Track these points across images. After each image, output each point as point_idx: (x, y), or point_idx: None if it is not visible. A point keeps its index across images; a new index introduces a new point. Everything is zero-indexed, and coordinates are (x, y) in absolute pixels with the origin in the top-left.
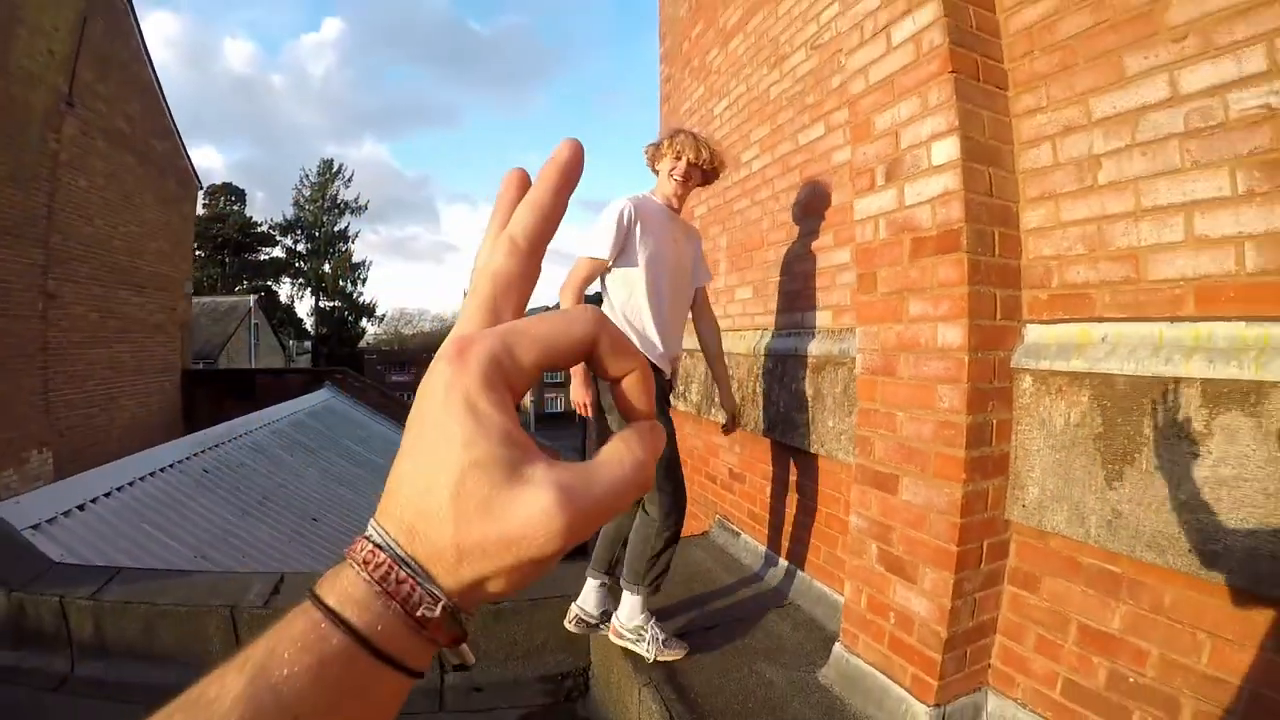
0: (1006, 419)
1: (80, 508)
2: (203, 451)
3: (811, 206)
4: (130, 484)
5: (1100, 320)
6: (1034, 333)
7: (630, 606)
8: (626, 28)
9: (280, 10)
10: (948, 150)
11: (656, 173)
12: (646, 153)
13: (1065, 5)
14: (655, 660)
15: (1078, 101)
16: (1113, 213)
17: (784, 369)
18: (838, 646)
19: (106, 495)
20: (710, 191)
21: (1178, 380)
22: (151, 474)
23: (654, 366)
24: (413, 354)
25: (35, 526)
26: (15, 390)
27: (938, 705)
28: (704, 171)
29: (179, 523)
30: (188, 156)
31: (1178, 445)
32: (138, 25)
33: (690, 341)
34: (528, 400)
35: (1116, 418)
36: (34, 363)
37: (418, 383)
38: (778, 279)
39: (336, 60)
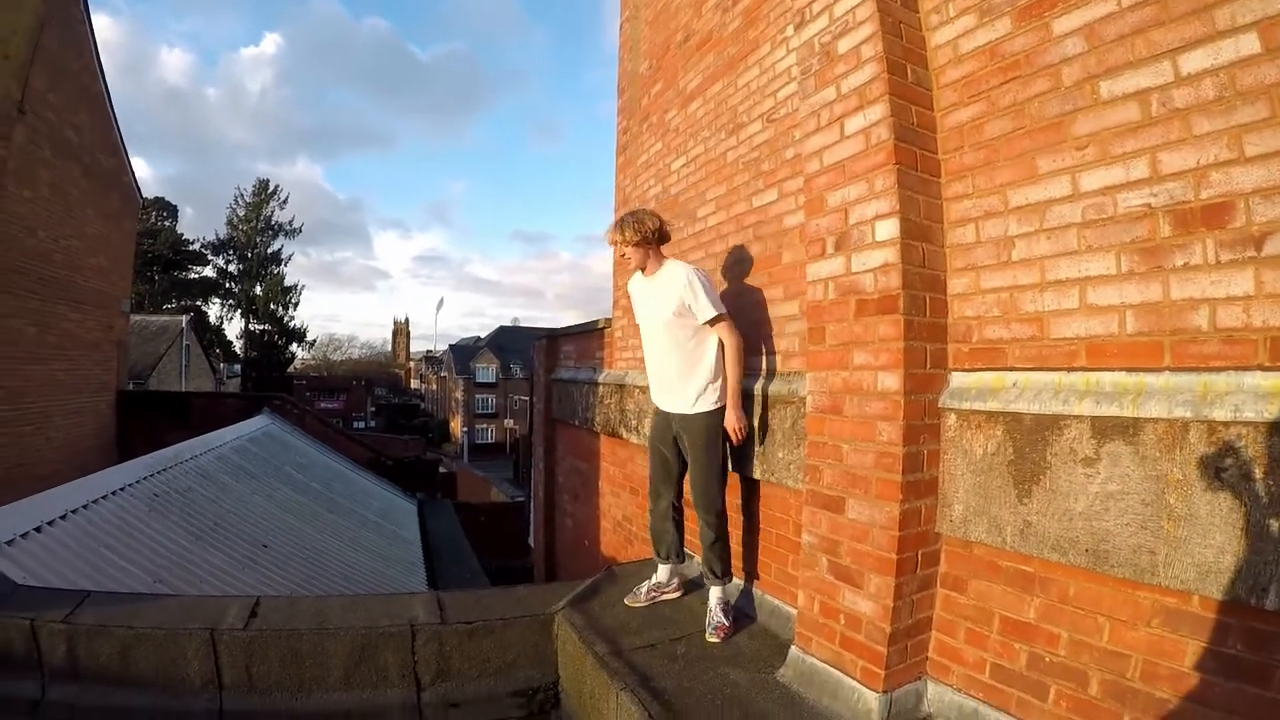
0: (935, 449)
1: (38, 529)
2: (151, 476)
3: (763, 263)
4: (84, 506)
5: (1011, 369)
6: (957, 379)
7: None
8: (565, 65)
9: (221, 21)
10: (889, 229)
11: None
12: None
13: (991, 111)
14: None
15: (998, 192)
16: (1023, 284)
17: None
18: (793, 649)
19: (62, 518)
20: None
21: (1073, 417)
22: (104, 497)
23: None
24: (341, 381)
25: None
26: None
27: (885, 692)
28: (644, 242)
29: (135, 547)
30: (131, 172)
31: (1074, 468)
32: (92, 36)
33: (644, 379)
34: (460, 430)
35: (1025, 447)
36: None
37: (347, 410)
38: None
39: (274, 76)
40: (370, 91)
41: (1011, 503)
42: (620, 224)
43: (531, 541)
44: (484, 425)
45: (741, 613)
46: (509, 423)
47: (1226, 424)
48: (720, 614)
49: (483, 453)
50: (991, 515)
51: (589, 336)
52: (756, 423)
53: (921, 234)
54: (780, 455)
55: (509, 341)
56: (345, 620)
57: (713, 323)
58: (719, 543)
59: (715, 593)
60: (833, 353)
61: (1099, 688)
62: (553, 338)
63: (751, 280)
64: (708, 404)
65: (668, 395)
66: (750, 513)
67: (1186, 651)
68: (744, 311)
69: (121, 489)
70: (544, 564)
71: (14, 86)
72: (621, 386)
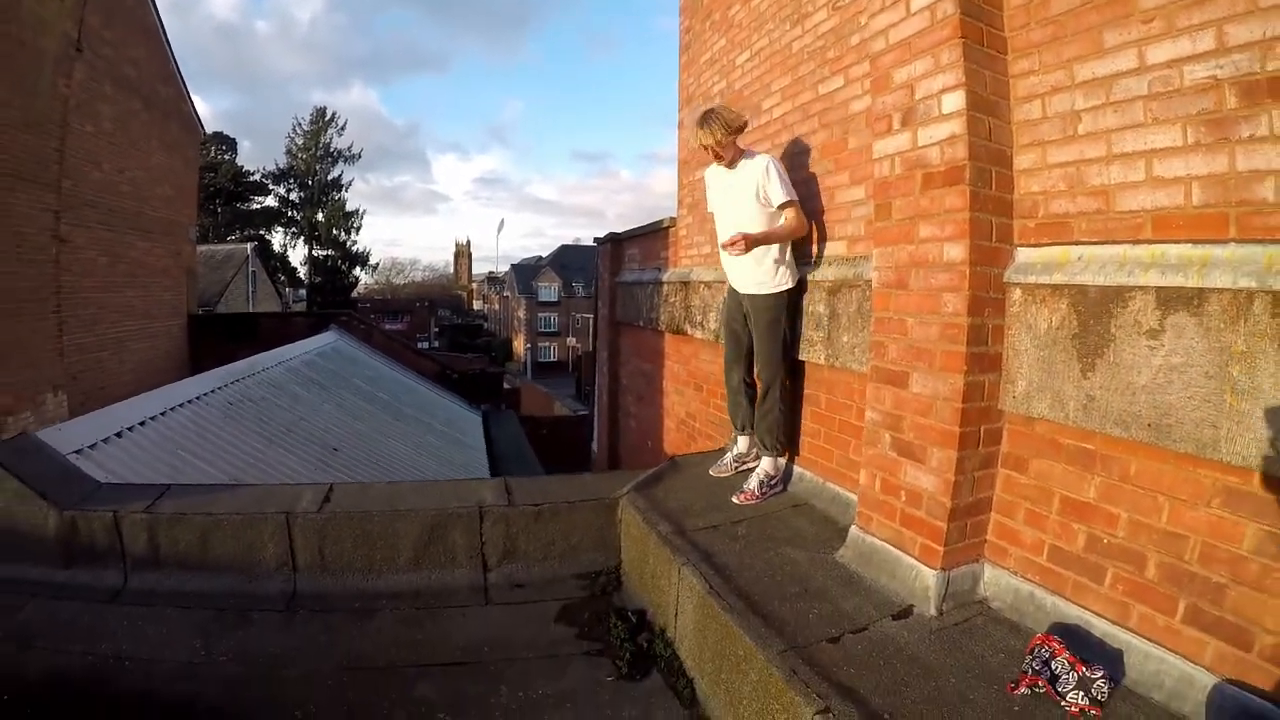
0: (999, 324)
1: (119, 435)
2: (225, 386)
3: (829, 149)
4: (162, 414)
5: (1077, 244)
6: (1023, 255)
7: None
8: None
9: None
10: (955, 102)
11: None
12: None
13: None
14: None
15: (1064, 67)
16: (1089, 157)
17: (800, 294)
18: (853, 529)
19: (141, 424)
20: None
21: (1138, 288)
22: (181, 405)
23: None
24: (404, 303)
25: (78, 451)
26: (31, 333)
27: (943, 570)
28: (732, 133)
29: (211, 449)
30: (191, 102)
31: (1138, 340)
32: None
33: (710, 274)
34: (522, 348)
35: (1089, 320)
36: (48, 306)
37: (411, 331)
38: None
39: (324, 3)
40: (421, 12)
41: (1075, 377)
42: (709, 121)
43: (595, 446)
44: (546, 344)
45: (800, 499)
46: (571, 340)
47: None
48: (754, 482)
49: (546, 370)
50: (1054, 390)
51: (654, 237)
52: (823, 308)
53: (988, 108)
54: (845, 339)
55: (571, 260)
56: (415, 503)
57: (783, 207)
58: (771, 416)
59: (764, 463)
60: (899, 227)
61: (1156, 570)
62: (617, 241)
63: (816, 168)
64: (775, 285)
65: (742, 276)
66: (813, 400)
67: (1245, 534)
68: (810, 199)
69: (197, 398)
70: (607, 466)
71: (70, 25)
72: (686, 283)
